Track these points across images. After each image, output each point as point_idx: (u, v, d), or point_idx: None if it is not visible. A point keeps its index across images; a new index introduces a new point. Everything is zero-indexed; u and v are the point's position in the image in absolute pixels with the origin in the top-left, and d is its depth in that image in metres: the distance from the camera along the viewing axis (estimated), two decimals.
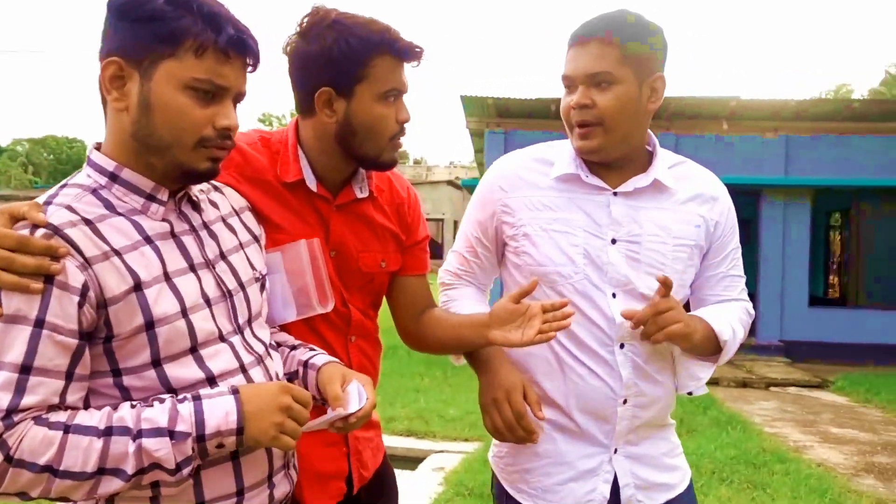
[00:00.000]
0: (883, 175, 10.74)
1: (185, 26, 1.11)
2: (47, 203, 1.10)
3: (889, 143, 10.84)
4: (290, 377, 1.41)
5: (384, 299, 1.72)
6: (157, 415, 1.07)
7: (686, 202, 1.61)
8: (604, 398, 1.56)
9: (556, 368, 1.59)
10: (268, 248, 1.47)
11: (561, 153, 1.62)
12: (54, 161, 62.21)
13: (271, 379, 1.27)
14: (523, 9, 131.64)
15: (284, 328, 1.54)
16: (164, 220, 1.19)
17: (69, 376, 1.06)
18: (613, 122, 1.50)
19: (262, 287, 1.36)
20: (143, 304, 1.11)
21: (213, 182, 1.35)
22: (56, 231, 1.06)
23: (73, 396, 1.07)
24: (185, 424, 1.07)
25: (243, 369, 1.22)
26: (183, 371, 1.15)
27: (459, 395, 7.07)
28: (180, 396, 1.11)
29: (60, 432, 1.03)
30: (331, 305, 1.53)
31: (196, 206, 1.27)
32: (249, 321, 1.29)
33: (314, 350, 1.45)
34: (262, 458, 1.24)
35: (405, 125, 1.50)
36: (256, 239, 1.41)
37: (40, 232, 1.05)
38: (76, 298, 1.06)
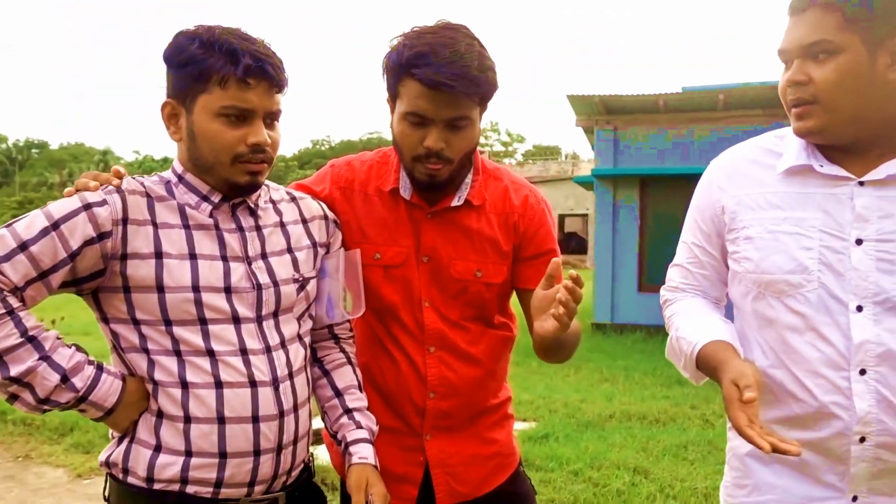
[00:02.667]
0: None
1: (211, 64, 1.31)
2: (135, 176, 1.41)
3: None
4: (333, 434, 1.57)
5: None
6: (67, 358, 1.28)
7: None
8: (832, 434, 1.31)
9: (776, 396, 1.37)
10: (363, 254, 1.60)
11: (791, 142, 1.39)
12: None
13: (273, 367, 1.39)
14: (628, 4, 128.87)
15: (362, 329, 1.68)
16: (210, 216, 1.39)
17: (42, 275, 1.26)
18: (832, 98, 1.27)
19: (301, 288, 1.48)
20: (158, 270, 1.32)
21: (293, 192, 1.58)
22: (118, 190, 1.33)
23: (33, 292, 1.27)
24: (80, 381, 1.28)
25: (243, 352, 1.36)
26: (190, 336, 1.33)
27: (540, 381, 7.21)
28: (92, 358, 1.33)
29: (4, 311, 1.22)
30: (356, 314, 1.59)
31: (253, 212, 1.45)
32: (276, 314, 1.43)
33: (360, 425, 1.55)
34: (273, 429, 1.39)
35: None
36: (315, 246, 1.54)
37: (110, 187, 1.34)
38: (92, 234, 1.28)
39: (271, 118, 1.38)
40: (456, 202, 1.61)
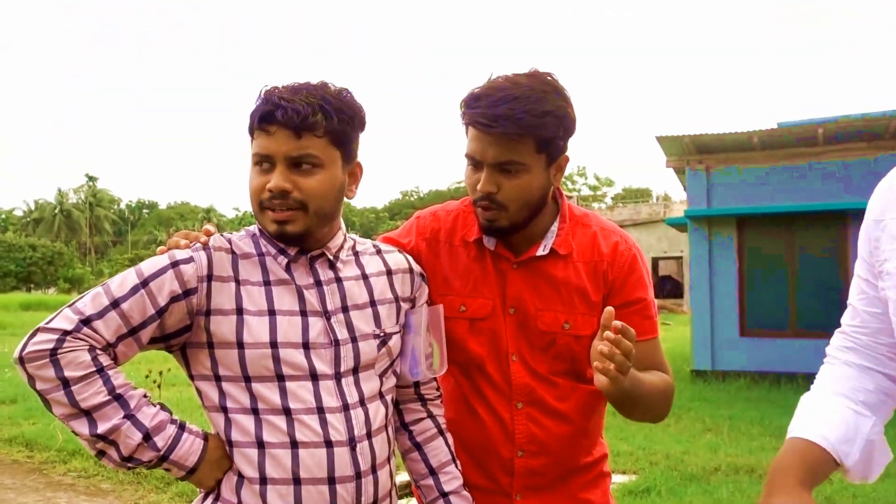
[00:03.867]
0: None
1: (250, 116, 1.37)
2: (224, 234, 1.44)
3: None
4: None
5: None
6: (150, 416, 1.30)
7: None
8: None
9: None
10: (445, 307, 1.58)
11: None
12: None
13: (350, 426, 1.36)
14: (713, 41, 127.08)
15: (447, 384, 1.64)
16: (286, 270, 1.39)
17: (132, 331, 1.31)
18: None
19: (383, 343, 1.45)
20: (238, 326, 1.33)
21: (379, 245, 1.57)
22: (205, 248, 1.37)
23: (124, 347, 1.31)
24: (161, 441, 1.29)
25: (319, 410, 1.35)
26: (267, 393, 1.34)
27: (640, 432, 6.90)
28: (175, 417, 1.34)
29: (95, 369, 1.26)
30: (440, 372, 1.56)
31: (332, 265, 1.44)
32: (356, 370, 1.40)
33: None
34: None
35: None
36: (398, 300, 1.51)
37: (197, 245, 1.39)
38: (179, 290, 1.32)
39: (300, 163, 1.35)
40: (541, 251, 1.57)
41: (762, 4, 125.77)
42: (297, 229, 1.36)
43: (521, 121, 1.42)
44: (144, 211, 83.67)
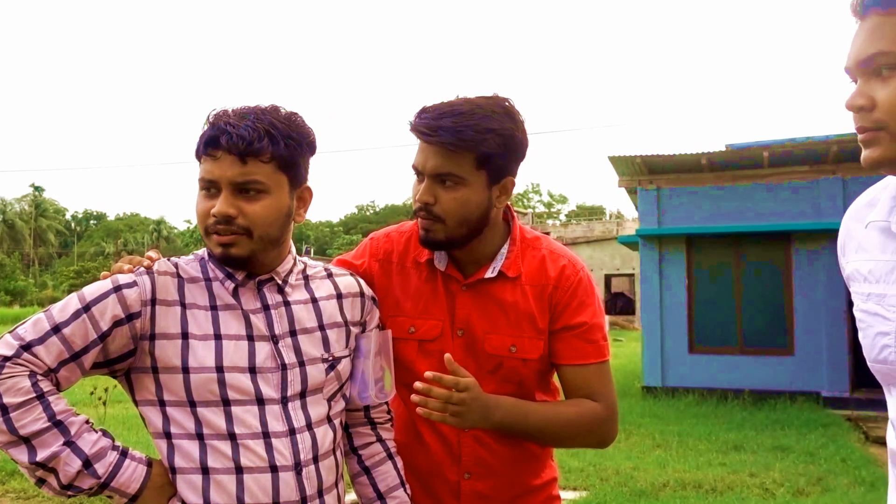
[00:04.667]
0: None
1: (199, 139, 1.35)
2: (171, 258, 1.44)
3: None
4: None
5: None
6: (91, 443, 1.27)
7: None
8: None
9: None
10: (387, 326, 1.59)
11: (886, 188, 1.11)
12: None
13: (296, 451, 1.35)
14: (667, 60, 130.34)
15: (395, 406, 1.63)
16: (233, 295, 1.39)
17: (74, 357, 1.28)
18: None
19: (331, 367, 1.44)
20: (184, 350, 1.32)
21: (331, 268, 1.56)
22: (149, 272, 1.35)
23: (66, 373, 1.29)
24: (102, 468, 1.27)
25: (265, 435, 1.33)
26: (212, 418, 1.32)
27: (589, 449, 7.00)
28: (117, 443, 1.31)
29: (35, 395, 1.24)
30: (390, 396, 1.56)
31: (281, 289, 1.43)
32: (303, 394, 1.40)
33: None
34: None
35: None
36: (346, 324, 1.50)
37: (141, 269, 1.37)
38: (122, 315, 1.30)
39: (245, 188, 1.33)
40: (490, 273, 1.57)
41: (714, 27, 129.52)
42: (242, 253, 1.35)
43: (461, 133, 1.43)
44: (92, 222, 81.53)
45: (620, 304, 31.13)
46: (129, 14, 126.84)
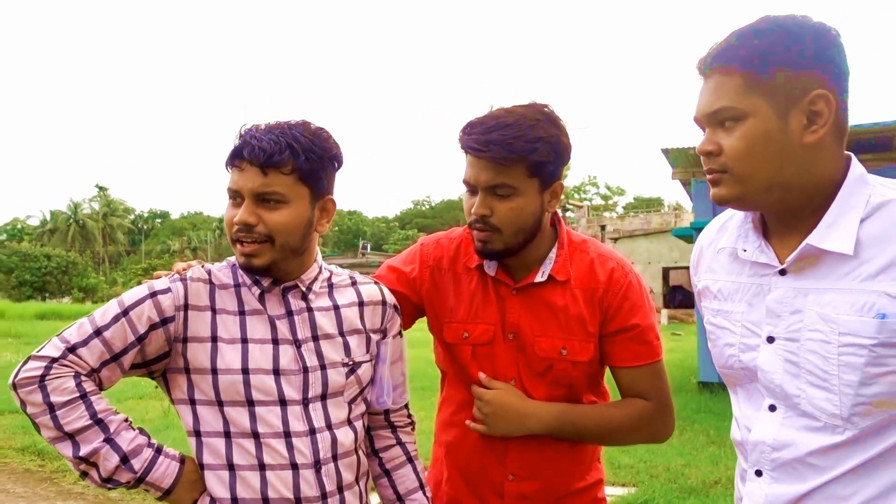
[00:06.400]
0: None
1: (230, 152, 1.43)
2: (206, 264, 1.53)
3: None
4: None
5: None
6: (129, 441, 1.37)
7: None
8: None
9: None
10: (443, 331, 1.66)
11: (733, 217, 1.31)
12: (338, 232, 69.16)
13: (315, 449, 1.43)
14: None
15: (450, 406, 1.71)
16: (259, 300, 1.47)
17: (115, 357, 1.39)
18: (742, 168, 1.15)
19: (351, 371, 1.51)
20: (213, 353, 1.42)
21: (356, 277, 1.62)
22: (182, 279, 1.45)
23: (108, 372, 1.40)
24: (138, 463, 1.37)
25: (287, 434, 1.42)
26: (238, 417, 1.41)
27: (642, 445, 6.79)
28: (153, 441, 1.41)
29: (79, 395, 1.35)
30: (402, 403, 1.64)
31: (304, 296, 1.50)
32: (324, 396, 1.47)
33: None
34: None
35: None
36: (367, 331, 1.56)
37: (175, 276, 1.48)
38: (157, 318, 1.40)
39: (266, 198, 1.41)
40: (539, 278, 1.60)
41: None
42: (263, 262, 1.43)
43: (512, 146, 1.47)
44: (157, 220, 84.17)
45: (679, 298, 30.55)
46: (202, 15, 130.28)
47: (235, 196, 1.43)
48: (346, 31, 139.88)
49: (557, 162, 1.55)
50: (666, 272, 31.07)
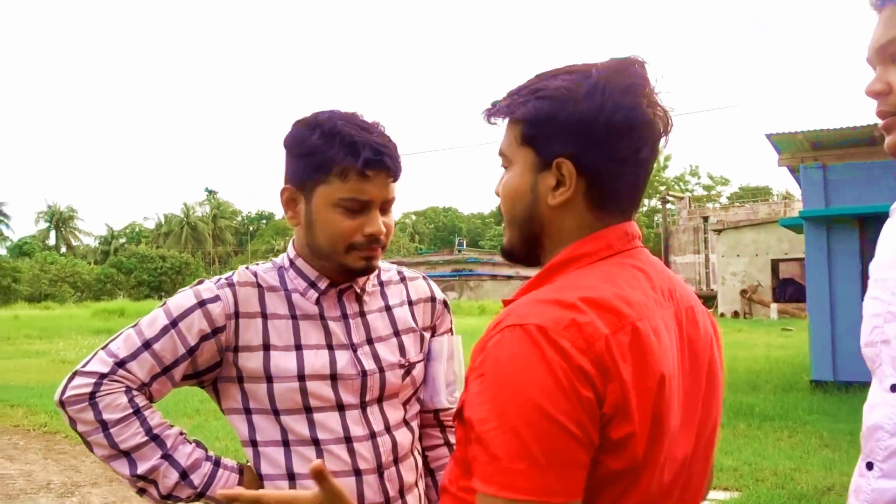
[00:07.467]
0: None
1: (332, 156, 1.32)
2: (250, 266, 1.48)
3: None
4: None
5: None
6: (186, 455, 1.34)
7: None
8: None
9: None
10: None
11: None
12: (434, 229, 70.33)
13: (377, 454, 1.39)
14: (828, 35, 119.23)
15: None
16: (316, 304, 1.42)
17: (165, 370, 1.36)
18: None
19: (407, 373, 1.48)
20: (266, 361, 1.37)
21: (405, 272, 1.58)
22: (230, 284, 1.40)
23: (158, 386, 1.37)
24: (197, 478, 1.33)
25: (347, 439, 1.38)
26: (296, 425, 1.37)
27: (748, 446, 6.59)
28: (210, 453, 1.37)
29: (132, 410, 1.32)
30: (456, 402, 1.56)
31: (359, 297, 1.47)
32: (380, 399, 1.44)
33: None
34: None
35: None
36: (419, 329, 1.53)
37: (223, 281, 1.42)
38: (207, 329, 1.36)
39: (386, 205, 1.41)
40: None
41: None
42: (377, 264, 1.45)
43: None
44: (262, 222, 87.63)
45: (790, 291, 28.99)
46: (311, 17, 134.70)
47: (363, 206, 1.37)
48: (432, 30, 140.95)
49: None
50: (775, 264, 29.56)
